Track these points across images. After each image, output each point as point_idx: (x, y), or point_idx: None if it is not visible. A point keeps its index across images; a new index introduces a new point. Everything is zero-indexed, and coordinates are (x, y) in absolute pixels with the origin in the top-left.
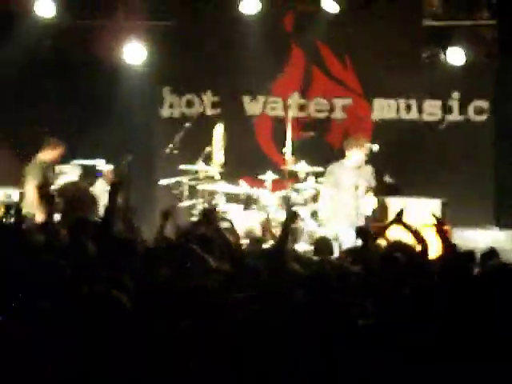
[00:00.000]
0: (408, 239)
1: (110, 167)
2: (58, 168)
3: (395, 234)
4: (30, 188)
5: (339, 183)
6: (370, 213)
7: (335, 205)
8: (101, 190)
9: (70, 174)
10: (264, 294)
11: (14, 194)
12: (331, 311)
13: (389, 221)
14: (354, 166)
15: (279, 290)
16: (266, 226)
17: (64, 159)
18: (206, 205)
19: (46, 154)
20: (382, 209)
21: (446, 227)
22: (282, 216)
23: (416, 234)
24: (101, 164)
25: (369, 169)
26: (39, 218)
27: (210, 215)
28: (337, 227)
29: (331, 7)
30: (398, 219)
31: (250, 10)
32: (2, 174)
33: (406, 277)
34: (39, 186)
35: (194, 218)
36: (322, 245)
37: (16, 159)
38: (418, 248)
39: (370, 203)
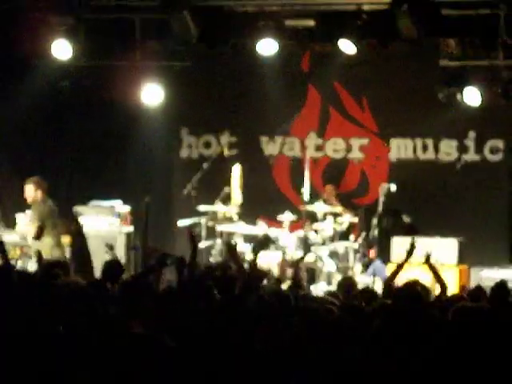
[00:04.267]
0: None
1: (128, 208)
2: (75, 208)
3: (413, 273)
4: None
5: None
6: None
7: None
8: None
9: (86, 214)
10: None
11: None
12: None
13: (403, 259)
14: None
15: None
16: (284, 265)
17: (82, 200)
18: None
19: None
20: None
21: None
22: (298, 255)
23: (438, 275)
24: (118, 205)
25: None
26: None
27: (234, 252)
28: None
29: (348, 48)
30: (426, 260)
31: (267, 51)
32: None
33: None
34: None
35: (212, 259)
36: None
37: None
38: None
39: None
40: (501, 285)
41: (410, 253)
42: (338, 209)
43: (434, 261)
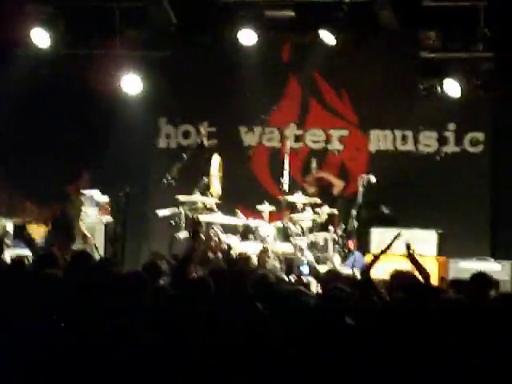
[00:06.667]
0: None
1: (106, 198)
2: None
3: (393, 264)
4: None
5: None
6: None
7: None
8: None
9: None
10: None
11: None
12: None
13: (382, 250)
14: None
15: None
16: (264, 256)
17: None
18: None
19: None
20: None
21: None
22: (279, 247)
23: (420, 265)
24: (97, 195)
25: None
26: None
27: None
28: None
29: (328, 39)
30: (408, 253)
31: (247, 41)
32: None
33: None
34: None
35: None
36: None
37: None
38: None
39: None
40: (477, 276)
41: (390, 245)
42: (317, 199)
43: (412, 251)
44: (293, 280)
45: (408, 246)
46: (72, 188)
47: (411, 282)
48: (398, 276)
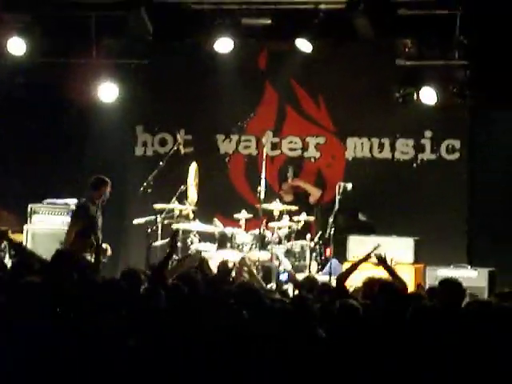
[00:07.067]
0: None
1: None
2: (30, 206)
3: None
4: None
5: None
6: None
7: None
8: None
9: (41, 212)
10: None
11: None
12: None
13: (361, 258)
14: None
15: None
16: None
17: (36, 198)
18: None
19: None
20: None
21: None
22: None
23: (394, 274)
24: (72, 203)
25: None
26: None
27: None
28: None
29: (304, 46)
30: (382, 261)
31: (224, 49)
32: None
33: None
34: None
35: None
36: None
37: None
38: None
39: None
40: (444, 281)
41: (369, 255)
42: (294, 207)
43: (388, 260)
44: (271, 287)
45: (381, 257)
46: (96, 196)
47: (387, 288)
48: (371, 283)
